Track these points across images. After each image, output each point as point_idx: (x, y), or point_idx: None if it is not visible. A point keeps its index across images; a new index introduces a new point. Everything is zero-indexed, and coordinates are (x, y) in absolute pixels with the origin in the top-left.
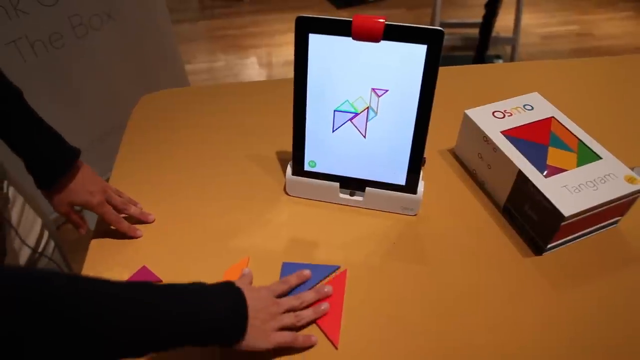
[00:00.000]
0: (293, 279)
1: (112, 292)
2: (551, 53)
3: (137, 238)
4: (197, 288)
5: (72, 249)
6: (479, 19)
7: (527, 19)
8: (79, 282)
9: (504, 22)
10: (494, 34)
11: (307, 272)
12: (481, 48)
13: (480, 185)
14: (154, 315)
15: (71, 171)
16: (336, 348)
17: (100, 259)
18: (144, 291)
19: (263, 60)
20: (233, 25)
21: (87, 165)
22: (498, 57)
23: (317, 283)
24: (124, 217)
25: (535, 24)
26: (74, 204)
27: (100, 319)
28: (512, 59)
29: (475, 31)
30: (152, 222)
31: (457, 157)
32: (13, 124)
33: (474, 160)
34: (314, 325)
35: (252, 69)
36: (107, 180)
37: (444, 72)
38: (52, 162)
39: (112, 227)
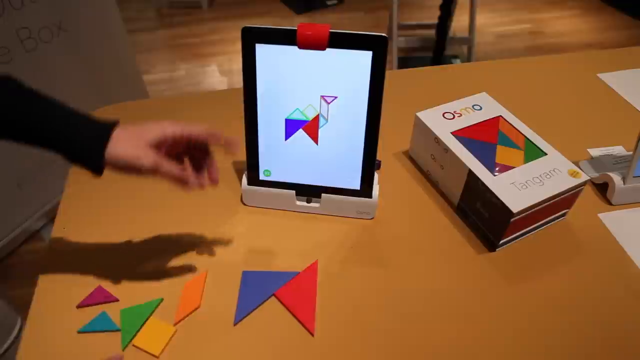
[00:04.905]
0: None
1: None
2: (506, 51)
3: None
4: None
5: (29, 268)
6: (436, 20)
7: (482, 18)
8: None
9: (460, 23)
10: (451, 34)
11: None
12: (438, 49)
13: (434, 185)
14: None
15: (119, 125)
16: (312, 335)
17: (53, 279)
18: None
19: (224, 67)
20: (193, 33)
21: None
22: (455, 57)
23: (276, 290)
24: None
25: (490, 24)
26: (153, 143)
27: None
28: (469, 58)
29: (433, 32)
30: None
31: (412, 159)
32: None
33: (428, 161)
34: (290, 315)
35: (214, 77)
36: (59, 200)
37: (399, 74)
38: (94, 128)
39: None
